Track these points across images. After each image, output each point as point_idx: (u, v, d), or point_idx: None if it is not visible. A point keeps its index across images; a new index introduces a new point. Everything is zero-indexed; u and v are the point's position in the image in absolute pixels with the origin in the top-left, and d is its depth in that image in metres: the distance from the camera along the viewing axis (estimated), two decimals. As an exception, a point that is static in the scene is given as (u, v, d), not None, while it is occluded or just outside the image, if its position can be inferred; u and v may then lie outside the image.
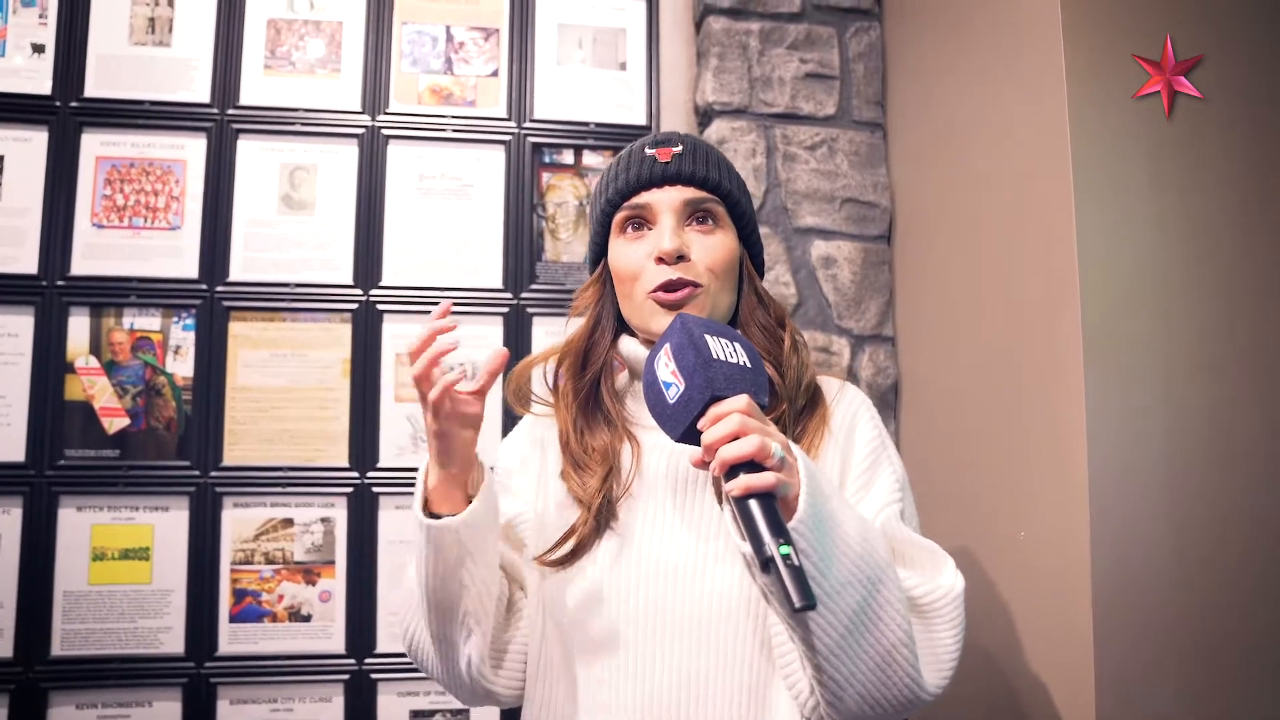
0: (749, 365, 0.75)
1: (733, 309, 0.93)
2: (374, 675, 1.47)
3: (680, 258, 0.87)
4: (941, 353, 1.47)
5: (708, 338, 0.75)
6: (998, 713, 1.25)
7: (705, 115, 1.61)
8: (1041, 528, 1.19)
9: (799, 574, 0.64)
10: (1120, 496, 1.10)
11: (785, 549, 0.65)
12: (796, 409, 0.89)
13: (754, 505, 0.67)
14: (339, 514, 1.49)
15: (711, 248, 0.89)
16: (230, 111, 1.53)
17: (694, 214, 0.90)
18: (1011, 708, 1.22)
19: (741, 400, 0.71)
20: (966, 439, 1.38)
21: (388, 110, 1.56)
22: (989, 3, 1.35)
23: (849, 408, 0.92)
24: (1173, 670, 1.08)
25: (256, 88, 1.54)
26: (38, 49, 1.50)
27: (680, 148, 0.91)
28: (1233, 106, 1.16)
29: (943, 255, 1.47)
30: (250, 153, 1.53)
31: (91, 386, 1.47)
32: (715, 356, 0.73)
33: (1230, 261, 1.15)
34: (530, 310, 1.55)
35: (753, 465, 0.68)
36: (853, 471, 0.89)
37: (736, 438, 0.69)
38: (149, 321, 1.49)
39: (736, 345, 0.76)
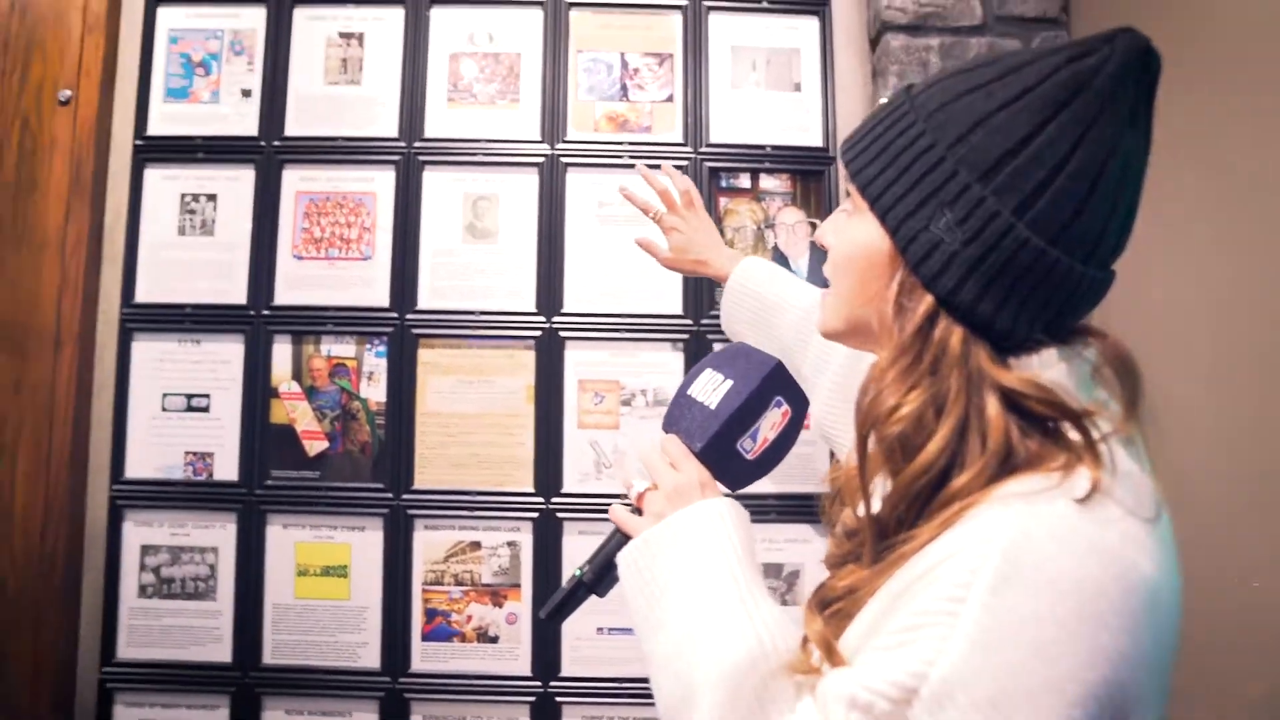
0: (710, 409, 0.74)
1: (869, 324, 0.66)
2: (559, 698, 1.50)
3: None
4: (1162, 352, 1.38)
5: (706, 370, 0.76)
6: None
7: (883, 134, 1.57)
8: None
9: (560, 591, 0.77)
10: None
11: (578, 570, 0.76)
12: (910, 503, 0.59)
13: (613, 529, 0.76)
14: (525, 538, 1.52)
15: (839, 239, 0.69)
16: (416, 144, 1.58)
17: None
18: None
19: (663, 439, 0.76)
20: (1193, 454, 1.28)
21: (566, 138, 1.58)
22: (1191, 5, 1.26)
23: (963, 544, 0.53)
24: None
25: (440, 120, 1.59)
26: (245, 94, 1.59)
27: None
28: None
29: (1147, 277, 1.38)
30: (436, 183, 1.58)
31: (294, 410, 1.55)
32: (687, 392, 0.76)
33: None
34: (710, 336, 1.54)
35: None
36: (897, 617, 0.55)
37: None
38: (345, 348, 1.56)
39: (727, 384, 0.74)
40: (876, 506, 0.61)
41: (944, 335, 0.59)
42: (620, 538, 0.74)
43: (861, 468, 0.62)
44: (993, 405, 0.57)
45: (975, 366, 0.58)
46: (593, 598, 0.77)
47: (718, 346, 1.54)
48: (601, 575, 0.75)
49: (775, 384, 0.74)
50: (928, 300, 0.60)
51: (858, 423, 0.62)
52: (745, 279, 1.14)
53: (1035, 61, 0.59)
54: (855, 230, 0.65)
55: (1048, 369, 0.59)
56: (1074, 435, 0.56)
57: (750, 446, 0.74)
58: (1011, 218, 0.57)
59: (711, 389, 0.74)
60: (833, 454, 1.51)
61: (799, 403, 0.76)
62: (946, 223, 0.59)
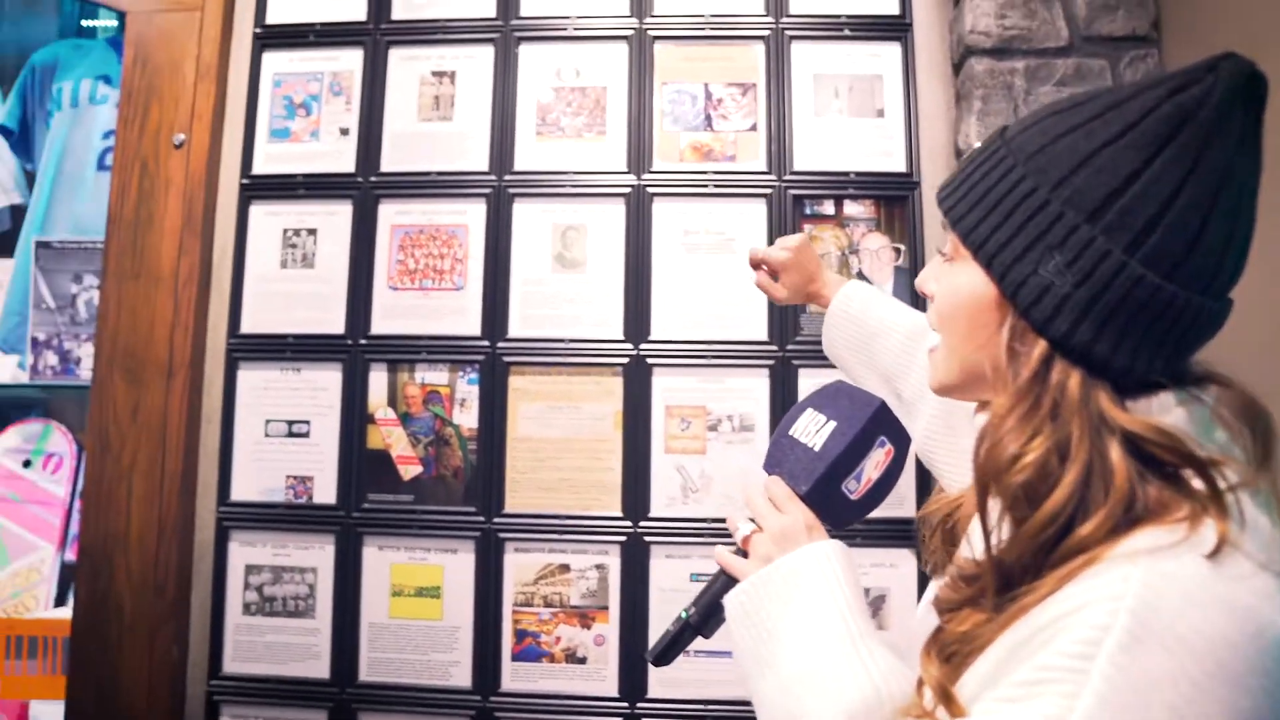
0: (815, 450, 0.73)
1: (982, 371, 0.65)
2: (644, 719, 1.51)
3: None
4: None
5: (808, 410, 0.76)
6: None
7: (968, 158, 1.56)
8: None
9: (667, 633, 0.76)
10: None
11: (684, 612, 0.76)
12: (1035, 552, 0.58)
13: (718, 570, 0.76)
14: (613, 561, 1.54)
15: (941, 287, 0.68)
16: (507, 177, 1.63)
17: None
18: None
19: (767, 480, 0.76)
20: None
21: (652, 169, 1.61)
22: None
23: (1089, 600, 0.52)
24: None
25: (529, 153, 1.64)
26: (344, 132, 1.67)
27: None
28: None
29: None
30: (525, 215, 1.62)
31: (389, 436, 1.61)
32: (789, 432, 0.76)
33: None
34: (795, 362, 1.55)
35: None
36: (1019, 670, 0.54)
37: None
38: (438, 376, 1.61)
39: (830, 424, 0.73)
40: (991, 549, 0.60)
41: (1062, 378, 0.58)
42: (725, 579, 0.74)
43: (983, 515, 0.60)
44: (1115, 451, 0.56)
45: (1096, 410, 0.57)
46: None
47: (803, 372, 1.55)
48: (707, 617, 0.75)
49: (879, 424, 0.74)
50: (1041, 344, 0.59)
51: (977, 471, 0.61)
52: (846, 305, 1.15)
53: (1135, 97, 0.58)
54: (958, 278, 0.65)
55: (1165, 413, 0.58)
56: (1197, 483, 0.55)
57: (855, 487, 0.73)
58: (1124, 256, 0.56)
59: (814, 430, 0.74)
60: (924, 479, 1.50)
61: (902, 441, 0.75)
62: (1056, 265, 0.58)
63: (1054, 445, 0.57)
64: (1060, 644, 0.51)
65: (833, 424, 0.73)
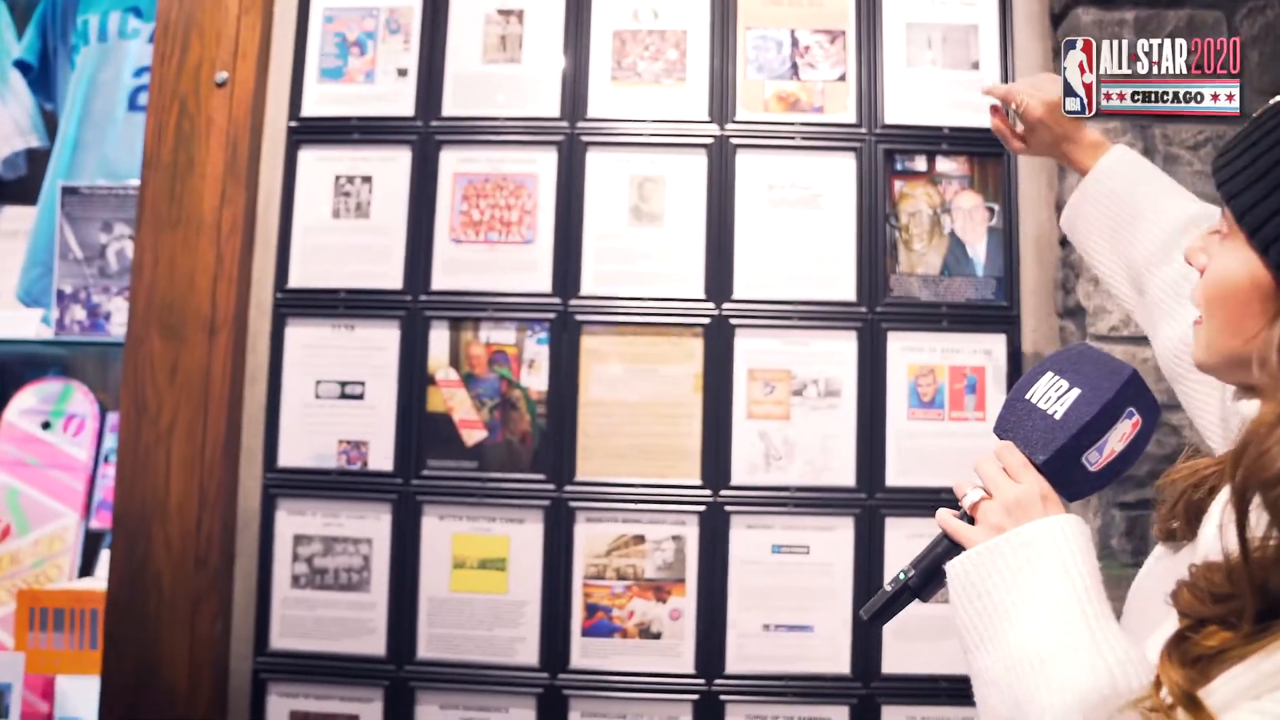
0: (1056, 418, 0.69)
1: (1248, 363, 0.61)
2: (722, 696, 1.44)
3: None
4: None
5: (1048, 374, 0.72)
6: None
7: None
8: None
9: (883, 593, 0.74)
10: None
11: (902, 573, 0.74)
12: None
13: (940, 534, 0.73)
14: (690, 531, 1.46)
15: (1212, 265, 0.66)
16: (580, 125, 1.53)
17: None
18: None
19: (1000, 446, 0.72)
20: None
21: (735, 119, 1.52)
22: None
23: None
24: None
25: (604, 100, 1.54)
26: (401, 73, 1.55)
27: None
28: None
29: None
30: (599, 165, 1.52)
31: (451, 399, 1.51)
32: (1026, 396, 0.72)
33: None
34: (884, 325, 1.47)
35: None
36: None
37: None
38: (504, 335, 1.51)
39: (1074, 391, 0.69)
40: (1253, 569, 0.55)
41: None
42: (948, 544, 0.72)
43: (1241, 526, 0.55)
44: None
45: None
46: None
47: (892, 335, 1.47)
48: (927, 580, 0.73)
49: (1129, 394, 0.69)
50: None
51: (1240, 476, 0.56)
52: (1109, 181, 1.04)
53: None
54: (1230, 259, 0.61)
55: None
56: None
57: (1096, 459, 0.69)
58: None
59: (1056, 396, 0.70)
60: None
61: (1151, 412, 0.70)
62: None
63: None
64: None
65: (1076, 390, 0.69)
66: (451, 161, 1.54)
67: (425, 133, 1.54)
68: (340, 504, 1.51)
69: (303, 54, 1.58)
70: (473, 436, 1.50)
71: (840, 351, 1.47)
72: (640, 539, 1.47)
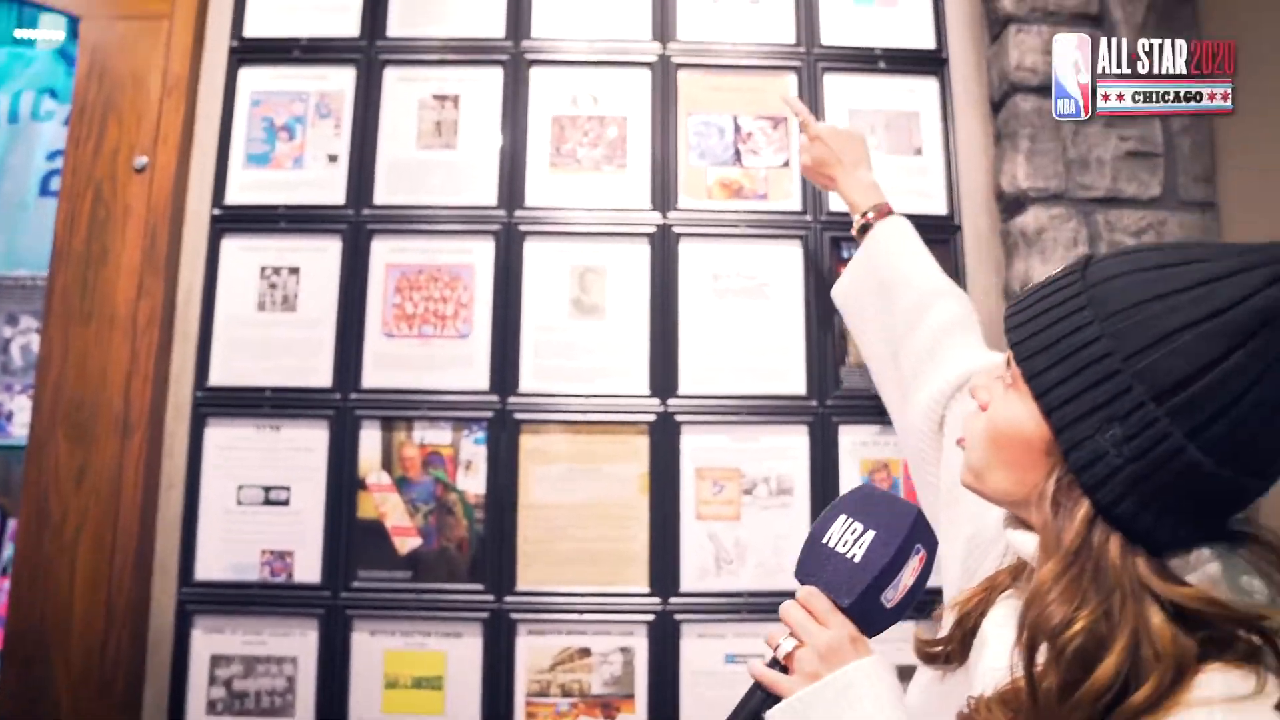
0: (856, 561, 0.72)
1: (1024, 505, 0.66)
2: (677, 821, 1.35)
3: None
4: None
5: (840, 517, 0.75)
6: None
7: (1012, 202, 1.47)
8: None
9: None
10: None
11: None
12: (1090, 716, 0.59)
13: (753, 685, 0.73)
14: (639, 643, 1.38)
15: (996, 410, 0.68)
16: (518, 213, 1.47)
17: None
18: None
19: (805, 592, 0.74)
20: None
21: (677, 206, 1.48)
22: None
23: None
24: None
25: (542, 187, 1.49)
26: (332, 159, 1.49)
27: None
28: None
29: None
30: (538, 255, 1.47)
31: (383, 504, 1.42)
32: (823, 540, 0.75)
33: None
34: (835, 419, 1.42)
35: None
36: None
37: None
38: (440, 435, 1.43)
39: (870, 534, 0.73)
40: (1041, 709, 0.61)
41: (1103, 541, 0.60)
42: (763, 696, 0.72)
43: (1028, 676, 0.61)
44: (1157, 616, 0.57)
45: (1134, 577, 0.58)
46: None
47: (844, 429, 1.42)
48: None
49: (917, 532, 0.73)
50: (1085, 504, 0.60)
51: (1027, 631, 0.61)
52: (880, 246, 1.20)
53: (1230, 278, 0.57)
54: (1015, 409, 0.65)
55: (1201, 565, 0.59)
56: (1242, 632, 0.57)
57: (892, 596, 0.73)
58: (1184, 440, 0.57)
59: (852, 539, 0.73)
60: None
61: (932, 543, 0.75)
62: (1114, 436, 0.59)
63: (1103, 614, 0.58)
64: None
65: (872, 533, 0.73)
66: (384, 251, 1.47)
67: (356, 221, 1.47)
68: (263, 620, 1.39)
69: (228, 139, 1.50)
70: (406, 544, 1.41)
71: (791, 447, 1.42)
72: (586, 652, 1.38)
